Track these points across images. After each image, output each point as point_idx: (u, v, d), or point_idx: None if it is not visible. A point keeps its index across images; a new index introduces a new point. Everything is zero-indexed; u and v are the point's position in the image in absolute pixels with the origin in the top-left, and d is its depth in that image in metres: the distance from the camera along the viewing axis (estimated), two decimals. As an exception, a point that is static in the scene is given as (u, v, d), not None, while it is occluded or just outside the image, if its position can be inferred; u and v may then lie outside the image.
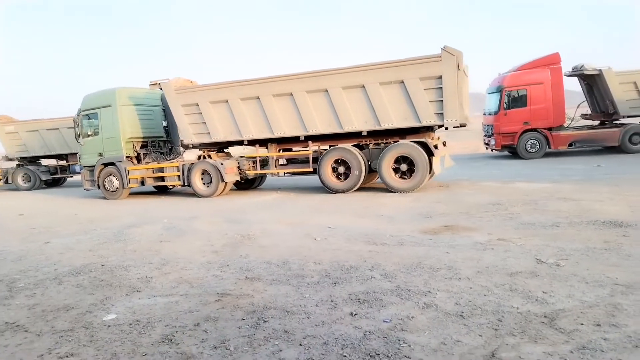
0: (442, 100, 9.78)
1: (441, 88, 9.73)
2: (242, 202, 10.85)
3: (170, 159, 13.04)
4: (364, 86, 10.27)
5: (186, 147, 12.91)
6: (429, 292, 4.07)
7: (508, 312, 3.52)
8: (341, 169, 10.92)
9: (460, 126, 10.32)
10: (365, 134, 10.67)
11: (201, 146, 12.71)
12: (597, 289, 3.89)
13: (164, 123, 13.74)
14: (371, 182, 12.04)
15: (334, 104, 10.59)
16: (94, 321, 3.94)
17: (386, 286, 4.28)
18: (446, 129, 10.41)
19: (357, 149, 10.81)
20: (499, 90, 16.59)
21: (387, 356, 2.98)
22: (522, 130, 16.37)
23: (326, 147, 11.24)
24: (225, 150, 13.22)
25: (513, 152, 17.17)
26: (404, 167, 10.31)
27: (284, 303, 4.04)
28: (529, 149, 16.43)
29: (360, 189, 11.07)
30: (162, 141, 13.75)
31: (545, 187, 9.65)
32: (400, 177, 10.43)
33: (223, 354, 3.18)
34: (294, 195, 11.42)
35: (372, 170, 10.99)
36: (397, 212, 8.08)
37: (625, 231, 5.69)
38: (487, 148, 18.17)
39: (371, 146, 10.89)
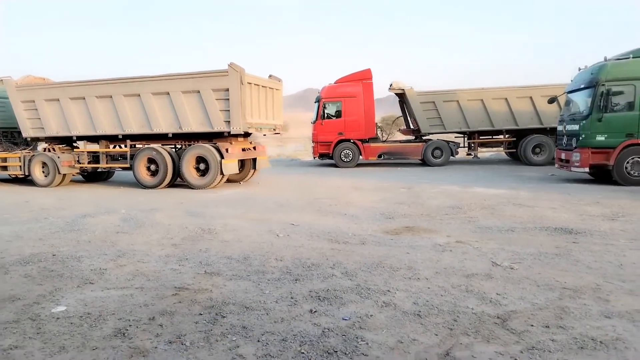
0: (229, 110, 11.17)
1: (228, 99, 11.11)
2: (207, 196, 10.67)
3: (22, 150, 13.79)
4: (169, 93, 11.62)
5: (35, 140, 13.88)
6: (389, 291, 4.12)
7: (463, 313, 3.62)
8: (153, 167, 12.06)
9: (275, 133, 12.89)
10: (171, 136, 11.95)
11: (47, 140, 13.58)
12: (547, 292, 4.05)
13: None
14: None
15: (145, 107, 11.86)
16: (41, 313, 3.77)
17: (347, 284, 4.31)
18: (264, 135, 12.71)
19: (166, 149, 12.05)
20: (318, 100, 17.57)
21: (345, 353, 3.00)
22: (337, 140, 17.35)
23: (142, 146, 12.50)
24: (75, 144, 13.90)
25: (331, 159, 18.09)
26: (202, 166, 11.73)
27: (243, 299, 3.99)
28: (343, 158, 17.44)
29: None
30: (17, 132, 14.11)
31: (503, 194, 9.98)
32: (200, 175, 11.75)
33: (178, 349, 3.10)
34: (257, 191, 11.33)
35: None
36: (361, 211, 8.16)
37: (575, 238, 5.96)
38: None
39: (177, 147, 12.48)
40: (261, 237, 6.32)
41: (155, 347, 3.13)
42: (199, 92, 11.31)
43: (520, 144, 17.05)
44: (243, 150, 12.24)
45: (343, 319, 3.54)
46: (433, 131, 17.47)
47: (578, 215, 7.48)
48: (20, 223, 7.60)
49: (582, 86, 11.71)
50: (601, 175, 11.64)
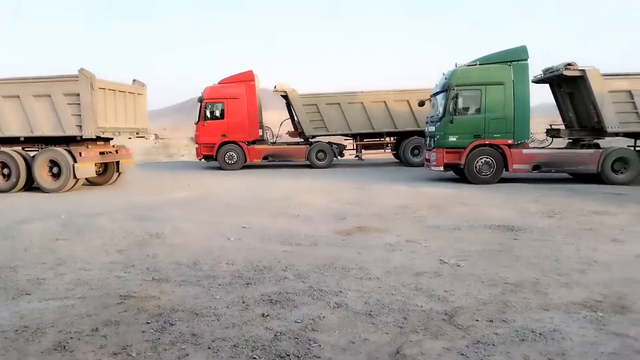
0: (80, 115, 11.26)
1: (79, 104, 11.20)
2: (153, 199, 10.31)
3: None
4: (19, 97, 11.46)
5: None
6: (341, 292, 4.16)
7: (413, 310, 3.71)
8: (6, 171, 11.73)
9: (140, 137, 13.44)
10: (23, 139, 11.78)
11: None
12: (490, 287, 4.24)
13: None
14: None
15: None
16: (-29, 328, 3.50)
17: (299, 286, 4.30)
18: (129, 138, 13.20)
19: (21, 153, 11.74)
20: (200, 101, 17.55)
21: (297, 356, 2.99)
22: (221, 142, 17.33)
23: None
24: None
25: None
26: (55, 170, 11.58)
27: (193, 305, 3.89)
28: (227, 160, 17.43)
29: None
30: None
31: (447, 192, 10.34)
32: (54, 179, 11.63)
33: (124, 360, 2.98)
34: (207, 194, 11.09)
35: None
36: (313, 212, 8.18)
37: (516, 235, 6.27)
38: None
39: (31, 151, 12.01)
40: (211, 240, 6.19)
41: (99, 360, 2.99)
42: (49, 96, 11.35)
43: (401, 145, 17.78)
44: (102, 153, 12.39)
45: (295, 321, 3.53)
46: (316, 133, 17.56)
47: (518, 212, 7.87)
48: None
49: (439, 90, 12.60)
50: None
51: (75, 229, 6.99)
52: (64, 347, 3.17)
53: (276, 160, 17.80)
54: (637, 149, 12.15)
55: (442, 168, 12.20)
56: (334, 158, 17.56)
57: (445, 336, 3.26)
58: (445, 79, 12.24)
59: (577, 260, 5.06)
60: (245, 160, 17.35)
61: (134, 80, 13.22)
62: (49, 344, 3.23)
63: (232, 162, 17.22)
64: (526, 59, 11.83)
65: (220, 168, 17.38)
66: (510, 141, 11.76)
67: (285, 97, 17.68)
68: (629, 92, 11.55)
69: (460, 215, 7.70)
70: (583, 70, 11.62)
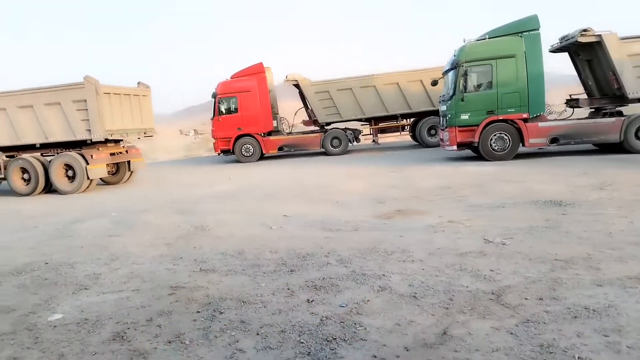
0: (88, 119, 11.96)
1: (87, 109, 11.88)
2: (195, 192, 10.61)
3: None
4: (32, 106, 12.25)
5: None
6: (384, 275, 4.15)
7: (458, 291, 3.66)
8: (26, 176, 12.56)
9: (147, 136, 14.07)
10: (39, 145, 12.56)
11: None
12: (539, 265, 4.11)
13: None
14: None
15: (12, 120, 12.41)
16: (38, 322, 3.74)
17: (342, 271, 4.33)
18: (139, 138, 13.77)
19: (39, 159, 12.56)
20: (214, 97, 17.44)
21: (344, 340, 3.02)
22: (237, 136, 17.30)
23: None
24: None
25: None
26: (70, 173, 12.36)
27: (240, 293, 4.00)
28: (244, 153, 17.41)
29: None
30: None
31: (489, 170, 10.06)
32: (70, 181, 12.37)
33: (178, 348, 3.11)
34: (252, 186, 11.30)
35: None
36: (352, 198, 8.18)
37: (564, 210, 6.04)
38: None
39: (48, 156, 12.79)
40: (254, 230, 6.32)
41: (155, 348, 3.14)
42: (59, 103, 12.06)
43: (417, 126, 17.38)
44: (112, 154, 13.06)
45: (340, 306, 3.56)
46: (330, 120, 17.47)
47: (566, 187, 7.57)
48: (8, 233, 7.51)
49: (449, 67, 12.24)
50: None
51: (126, 225, 7.31)
52: (122, 337, 3.34)
53: (291, 150, 17.87)
54: None
55: (455, 147, 11.97)
56: (349, 144, 17.45)
57: (493, 316, 3.20)
58: (454, 55, 11.96)
59: (631, 233, 4.82)
60: (262, 152, 17.48)
61: (138, 83, 13.81)
62: (108, 334, 3.41)
63: (249, 154, 17.43)
64: (538, 29, 11.36)
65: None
66: (525, 115, 11.41)
67: (297, 86, 17.66)
68: None
69: (504, 193, 7.49)
70: (600, 36, 11.09)
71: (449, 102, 11.93)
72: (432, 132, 17.08)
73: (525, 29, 11.37)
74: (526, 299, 3.43)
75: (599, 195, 6.72)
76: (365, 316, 3.36)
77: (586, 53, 12.17)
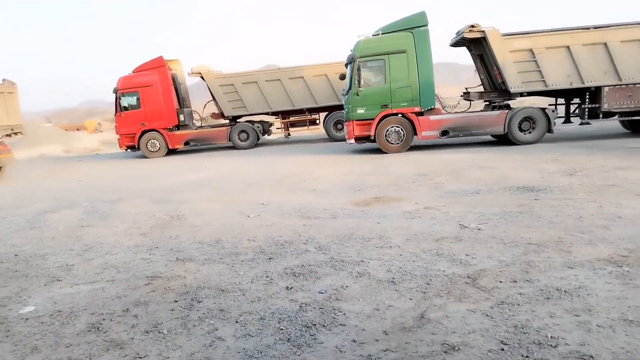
0: None
1: None
2: (171, 181, 10.44)
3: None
4: None
5: None
6: (362, 261, 4.18)
7: (435, 276, 3.72)
8: None
9: (15, 133, 14.33)
10: None
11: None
12: (513, 249, 4.22)
13: None
14: None
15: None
16: (9, 315, 3.64)
17: (320, 258, 4.34)
18: (8, 135, 13.94)
19: None
20: (115, 92, 17.14)
21: (324, 325, 3.04)
22: (142, 131, 17.01)
23: None
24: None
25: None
26: None
27: (218, 282, 3.97)
28: (150, 148, 17.19)
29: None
30: None
31: (463, 157, 10.22)
32: None
33: (156, 337, 3.07)
34: (225, 174, 11.18)
35: None
36: (330, 185, 8.19)
37: (537, 195, 6.19)
38: None
39: None
40: (231, 218, 6.27)
41: (132, 338, 3.09)
42: None
43: (325, 121, 17.61)
44: None
45: (319, 292, 3.58)
46: (237, 114, 17.39)
47: (538, 173, 7.76)
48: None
49: (346, 62, 12.57)
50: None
51: (99, 215, 7.14)
52: (98, 328, 3.28)
53: (198, 145, 17.58)
54: (545, 108, 11.94)
55: (353, 141, 12.31)
56: (258, 138, 17.38)
57: (469, 299, 3.27)
58: (351, 51, 12.19)
59: (600, 216, 4.98)
60: (168, 147, 17.20)
61: (3, 80, 13.62)
62: (82, 326, 3.34)
63: (155, 149, 17.13)
64: (426, 25, 11.67)
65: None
66: (417, 109, 11.82)
67: (203, 78, 17.38)
68: (530, 50, 11.37)
69: (479, 179, 7.62)
70: (483, 32, 11.50)
71: (346, 96, 12.27)
72: (339, 126, 17.19)
73: (415, 25, 11.67)
74: (500, 282, 3.51)
75: (569, 181, 6.91)
76: (344, 302, 3.38)
77: (477, 48, 12.61)
